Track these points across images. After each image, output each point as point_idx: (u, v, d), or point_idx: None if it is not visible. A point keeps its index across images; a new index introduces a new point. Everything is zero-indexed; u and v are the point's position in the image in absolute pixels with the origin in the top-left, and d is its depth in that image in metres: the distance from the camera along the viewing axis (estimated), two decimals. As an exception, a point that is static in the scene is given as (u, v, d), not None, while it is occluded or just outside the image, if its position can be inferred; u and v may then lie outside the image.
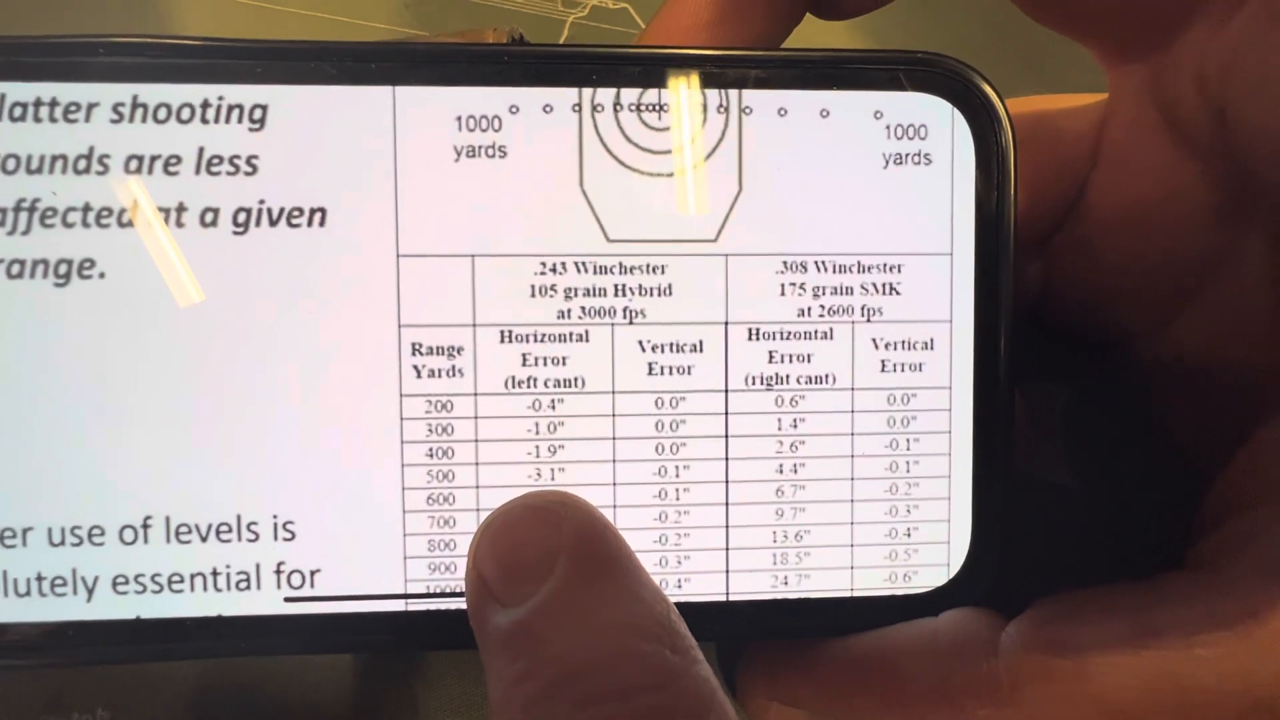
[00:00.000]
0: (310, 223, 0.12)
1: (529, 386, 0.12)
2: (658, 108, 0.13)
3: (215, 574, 0.12)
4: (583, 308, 0.13)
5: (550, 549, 0.10)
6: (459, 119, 0.12)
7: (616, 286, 0.13)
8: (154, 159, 0.12)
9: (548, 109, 0.12)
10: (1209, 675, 0.10)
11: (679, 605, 0.13)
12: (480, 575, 0.11)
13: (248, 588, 0.12)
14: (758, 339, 0.13)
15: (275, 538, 0.12)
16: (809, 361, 0.13)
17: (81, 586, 0.12)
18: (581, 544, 0.10)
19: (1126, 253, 0.15)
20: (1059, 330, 0.17)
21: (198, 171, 0.12)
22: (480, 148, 0.12)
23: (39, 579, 0.12)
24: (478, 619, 0.11)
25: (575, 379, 0.13)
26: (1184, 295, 0.14)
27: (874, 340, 0.13)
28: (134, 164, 0.12)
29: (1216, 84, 0.12)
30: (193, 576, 0.12)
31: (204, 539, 0.12)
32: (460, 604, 0.12)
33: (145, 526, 0.12)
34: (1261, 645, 0.10)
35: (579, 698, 0.10)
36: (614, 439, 0.13)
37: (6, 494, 0.12)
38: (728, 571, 0.13)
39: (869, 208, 0.13)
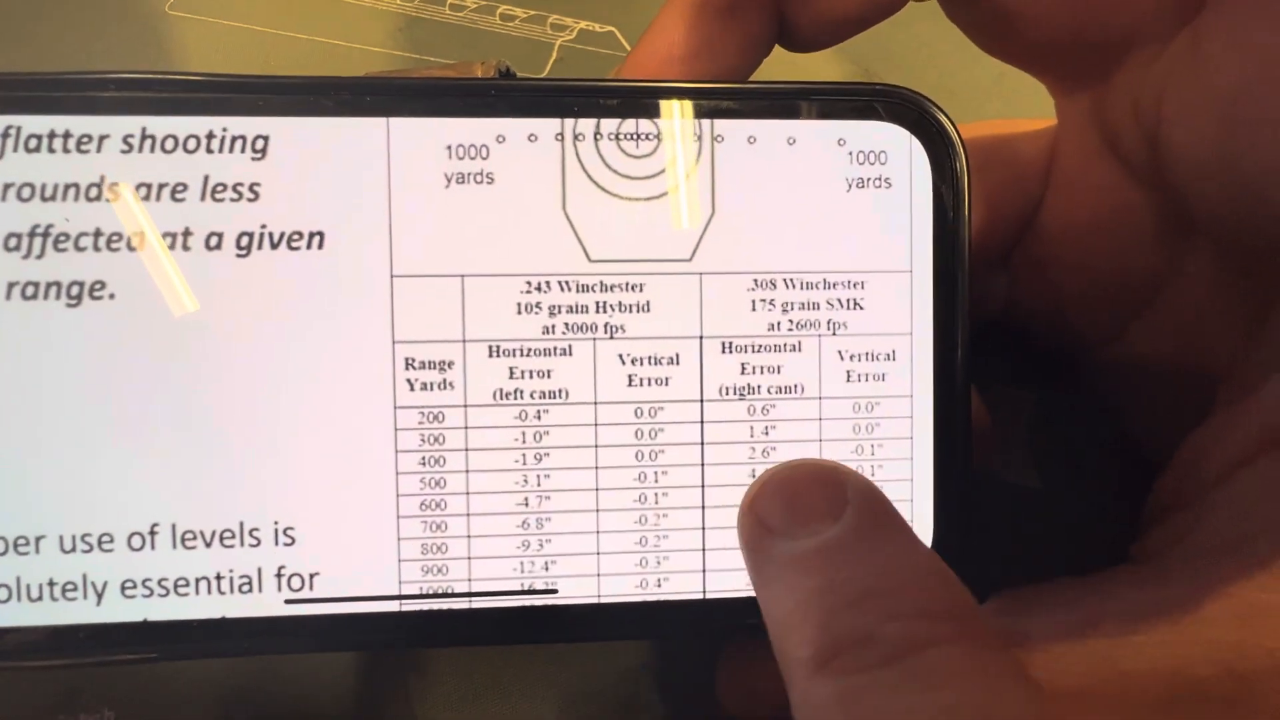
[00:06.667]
0: (309, 245, 0.13)
1: (516, 398, 0.13)
2: (636, 136, 0.13)
3: (219, 578, 0.13)
4: (566, 324, 0.13)
5: (838, 499, 0.11)
6: (449, 148, 0.13)
7: (598, 304, 0.13)
8: (162, 186, 0.12)
9: (532, 138, 0.13)
10: (1143, 660, 0.11)
11: (659, 603, 0.13)
12: (760, 518, 0.11)
13: (250, 591, 0.13)
14: (731, 352, 0.14)
15: (276, 543, 0.13)
16: (779, 373, 0.14)
17: (91, 591, 0.12)
18: (867, 502, 0.11)
19: (1079, 267, 0.15)
20: (1024, 338, 0.18)
21: (203, 198, 0.13)
22: (469, 175, 0.13)
23: (51, 584, 0.12)
24: (757, 550, 0.11)
25: (559, 391, 0.13)
26: (1135, 306, 0.15)
27: (840, 352, 0.14)
28: (143, 191, 0.12)
29: (1149, 116, 0.13)
30: (198, 580, 0.13)
31: (208, 545, 0.13)
32: (452, 604, 0.13)
33: (152, 533, 0.13)
34: (1189, 632, 0.11)
35: (884, 611, 0.10)
36: (596, 447, 0.13)
37: (21, 504, 0.12)
38: (704, 571, 0.14)
39: (833, 228, 0.14)
